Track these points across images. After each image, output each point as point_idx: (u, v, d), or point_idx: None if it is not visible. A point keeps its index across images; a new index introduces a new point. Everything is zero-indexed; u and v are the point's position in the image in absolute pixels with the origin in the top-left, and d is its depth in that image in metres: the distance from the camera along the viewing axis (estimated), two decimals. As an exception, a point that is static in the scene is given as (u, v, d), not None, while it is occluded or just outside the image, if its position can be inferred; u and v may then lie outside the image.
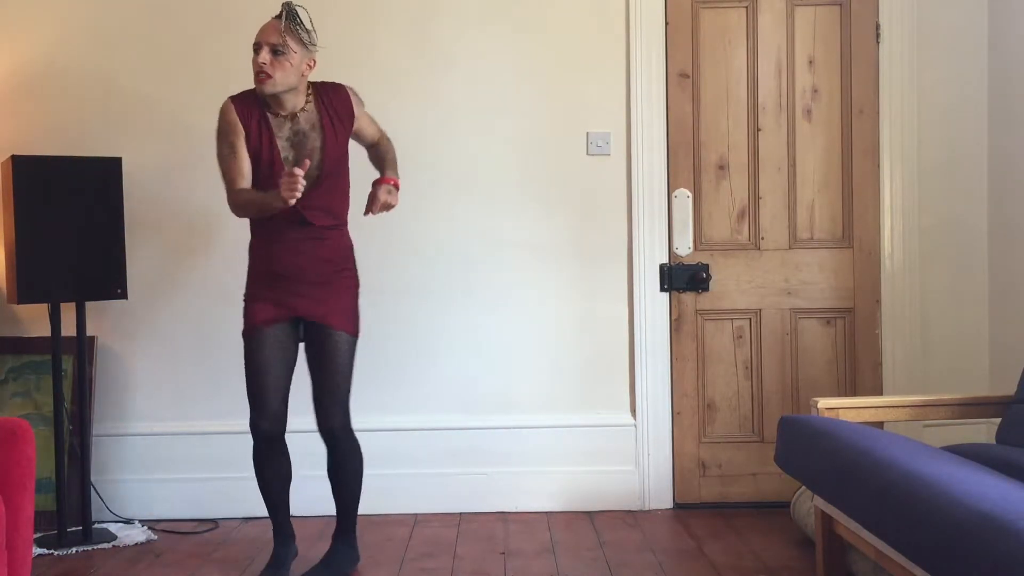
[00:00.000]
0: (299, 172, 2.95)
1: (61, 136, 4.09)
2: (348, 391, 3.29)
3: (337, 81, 3.34)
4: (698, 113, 4.19)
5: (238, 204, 3.19)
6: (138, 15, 4.14)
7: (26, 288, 3.67)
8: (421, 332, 4.15)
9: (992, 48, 4.16)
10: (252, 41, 3.11)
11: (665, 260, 4.18)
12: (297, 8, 3.15)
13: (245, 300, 3.30)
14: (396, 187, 3.31)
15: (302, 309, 3.22)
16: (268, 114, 3.19)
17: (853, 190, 4.19)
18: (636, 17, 4.14)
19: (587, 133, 4.17)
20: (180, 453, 4.15)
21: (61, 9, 4.14)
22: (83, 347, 3.88)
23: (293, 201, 2.97)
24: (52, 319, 3.79)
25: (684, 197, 4.19)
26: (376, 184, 3.30)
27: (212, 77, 4.13)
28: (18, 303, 3.71)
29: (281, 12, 3.13)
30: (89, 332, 3.96)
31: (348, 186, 3.33)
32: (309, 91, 3.24)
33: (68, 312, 3.86)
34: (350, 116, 3.28)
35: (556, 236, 4.18)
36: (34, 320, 4.09)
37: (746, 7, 4.18)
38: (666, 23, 4.16)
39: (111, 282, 3.82)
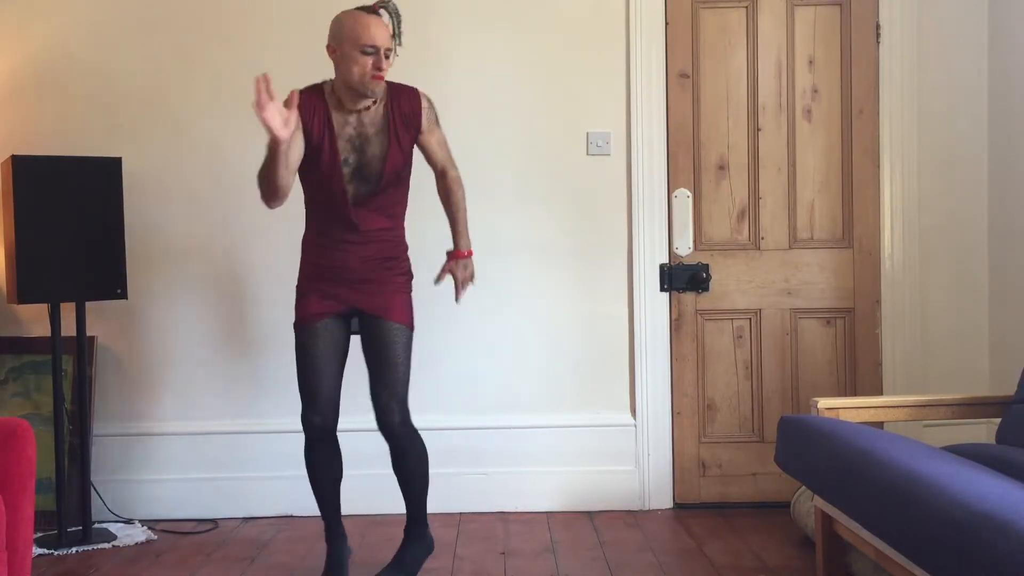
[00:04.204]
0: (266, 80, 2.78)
1: (61, 136, 4.09)
2: (406, 385, 3.23)
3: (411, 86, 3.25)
4: (698, 113, 4.19)
5: (259, 178, 3.00)
6: (138, 15, 4.14)
7: (26, 288, 3.67)
8: (421, 332, 4.13)
9: (992, 48, 4.16)
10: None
11: (665, 260, 4.18)
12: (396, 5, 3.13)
13: (297, 294, 3.23)
14: (470, 256, 3.33)
15: (354, 301, 3.17)
16: (333, 111, 3.11)
17: (853, 190, 4.20)
18: (636, 17, 4.14)
19: (587, 133, 4.17)
20: (180, 453, 4.15)
21: (61, 9, 4.14)
22: (83, 347, 3.88)
23: (283, 134, 2.79)
24: (52, 319, 3.79)
25: (684, 197, 4.19)
26: (452, 259, 3.31)
27: (212, 77, 4.14)
28: (18, 303, 3.71)
29: (389, 11, 3.10)
30: (89, 332, 3.96)
31: (408, 187, 3.27)
32: None
33: (68, 312, 3.86)
34: (416, 126, 3.18)
35: (556, 236, 4.18)
36: (34, 320, 4.10)
37: (746, 7, 4.18)
38: (666, 23, 4.16)
39: (111, 282, 3.82)
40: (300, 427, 3.33)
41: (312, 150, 3.09)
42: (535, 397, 4.19)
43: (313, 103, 3.10)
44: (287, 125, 2.82)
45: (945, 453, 2.77)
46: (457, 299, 3.35)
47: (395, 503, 3.87)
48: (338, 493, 3.32)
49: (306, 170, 3.13)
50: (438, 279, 3.35)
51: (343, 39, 3.04)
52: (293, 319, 3.24)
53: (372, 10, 3.09)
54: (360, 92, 3.07)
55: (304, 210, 3.27)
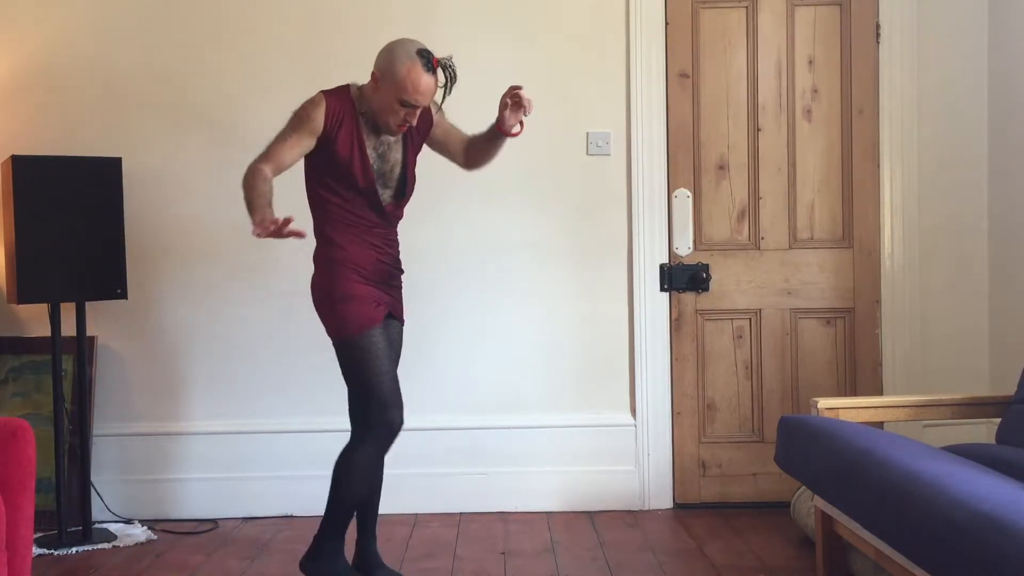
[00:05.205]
0: (297, 233, 2.80)
1: (61, 136, 4.09)
2: None
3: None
4: (698, 113, 4.19)
5: (247, 183, 2.96)
6: (139, 15, 4.14)
7: (26, 288, 3.67)
8: (421, 332, 4.14)
9: (992, 48, 4.16)
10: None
11: (665, 260, 4.18)
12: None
13: (347, 302, 3.07)
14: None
15: (390, 305, 3.20)
16: (361, 120, 3.10)
17: (853, 190, 4.19)
18: (636, 17, 4.14)
19: (587, 133, 4.17)
20: (180, 453, 4.15)
21: (61, 9, 4.14)
22: (83, 347, 3.88)
23: (258, 234, 2.82)
24: (52, 319, 3.79)
25: (684, 197, 4.19)
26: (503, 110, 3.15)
27: (213, 77, 4.14)
28: (18, 303, 3.71)
29: (446, 76, 3.03)
30: (89, 332, 3.96)
31: None
32: None
33: (68, 312, 3.86)
34: (428, 127, 3.23)
35: (556, 236, 4.18)
36: (34, 320, 4.09)
37: (746, 7, 4.18)
38: (666, 23, 4.16)
39: (111, 282, 3.82)
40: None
41: (342, 158, 3.07)
42: (535, 397, 4.19)
43: (339, 110, 3.05)
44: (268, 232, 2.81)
45: (945, 453, 2.77)
46: (528, 110, 3.13)
47: (394, 503, 3.89)
48: None
49: (339, 181, 3.10)
50: (506, 125, 3.16)
51: (390, 82, 2.99)
52: (344, 328, 3.08)
53: (430, 65, 2.99)
54: (382, 129, 3.11)
55: (315, 221, 3.17)
